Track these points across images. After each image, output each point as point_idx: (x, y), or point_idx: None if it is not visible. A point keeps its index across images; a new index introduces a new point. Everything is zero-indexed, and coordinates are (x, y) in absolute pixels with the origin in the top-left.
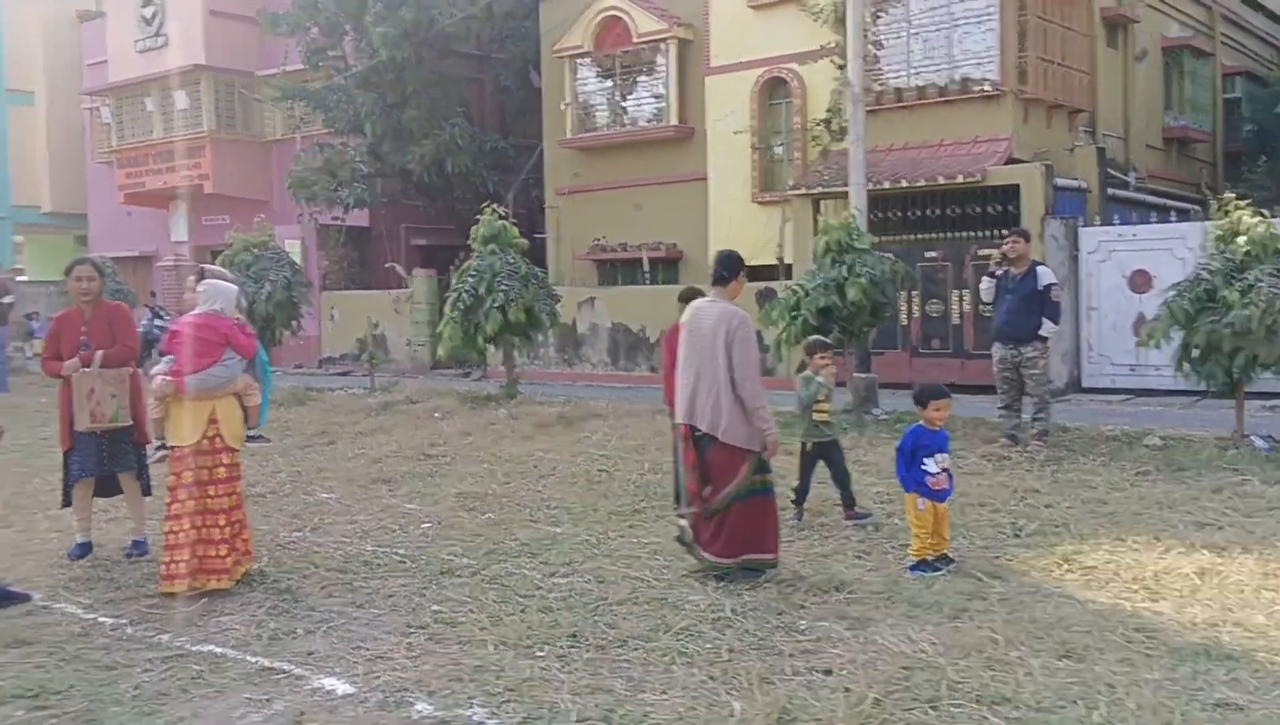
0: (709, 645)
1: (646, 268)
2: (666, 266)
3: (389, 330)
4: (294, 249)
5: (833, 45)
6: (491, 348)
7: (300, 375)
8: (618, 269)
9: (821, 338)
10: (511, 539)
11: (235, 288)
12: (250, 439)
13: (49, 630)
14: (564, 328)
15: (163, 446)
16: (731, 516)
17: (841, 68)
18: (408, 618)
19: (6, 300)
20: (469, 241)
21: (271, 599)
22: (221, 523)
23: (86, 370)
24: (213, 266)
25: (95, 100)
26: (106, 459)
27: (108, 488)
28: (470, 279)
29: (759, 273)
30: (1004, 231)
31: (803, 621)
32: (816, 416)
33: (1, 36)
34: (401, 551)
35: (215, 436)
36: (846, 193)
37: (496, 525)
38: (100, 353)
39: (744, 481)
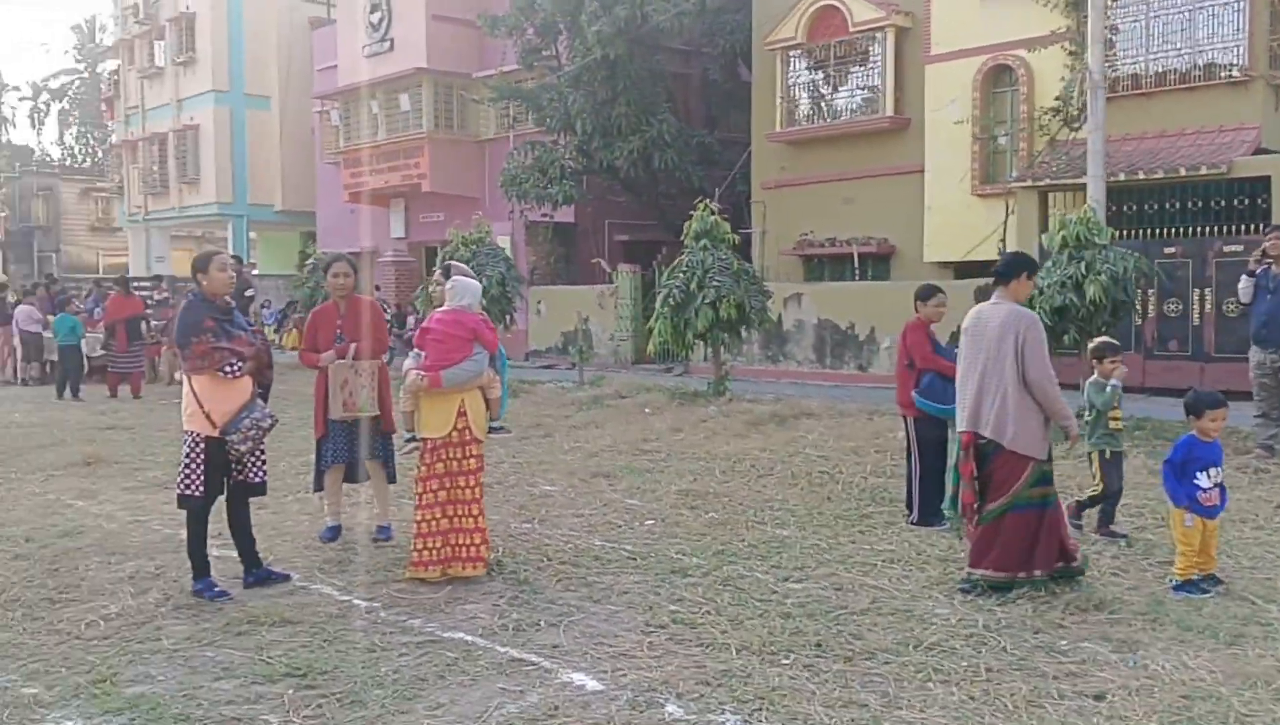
0: (964, 663)
1: (856, 263)
2: (877, 262)
3: (593, 324)
4: (504, 245)
5: (1064, 30)
6: (699, 344)
7: (509, 368)
8: (825, 264)
9: (1111, 341)
10: (739, 540)
11: (479, 284)
12: (491, 430)
13: (309, 610)
14: (769, 324)
15: (413, 439)
16: (1005, 529)
17: (1073, 53)
18: (645, 616)
19: (248, 293)
20: (680, 237)
21: (511, 590)
22: (474, 513)
23: (341, 362)
24: (459, 264)
25: (325, 104)
26: (356, 446)
27: (355, 474)
28: (681, 275)
29: (975, 269)
30: (1250, 227)
31: (1063, 641)
32: (1112, 424)
33: (242, 44)
34: (629, 548)
35: (464, 428)
36: (1077, 185)
37: (721, 525)
38: (354, 345)
39: (1020, 492)
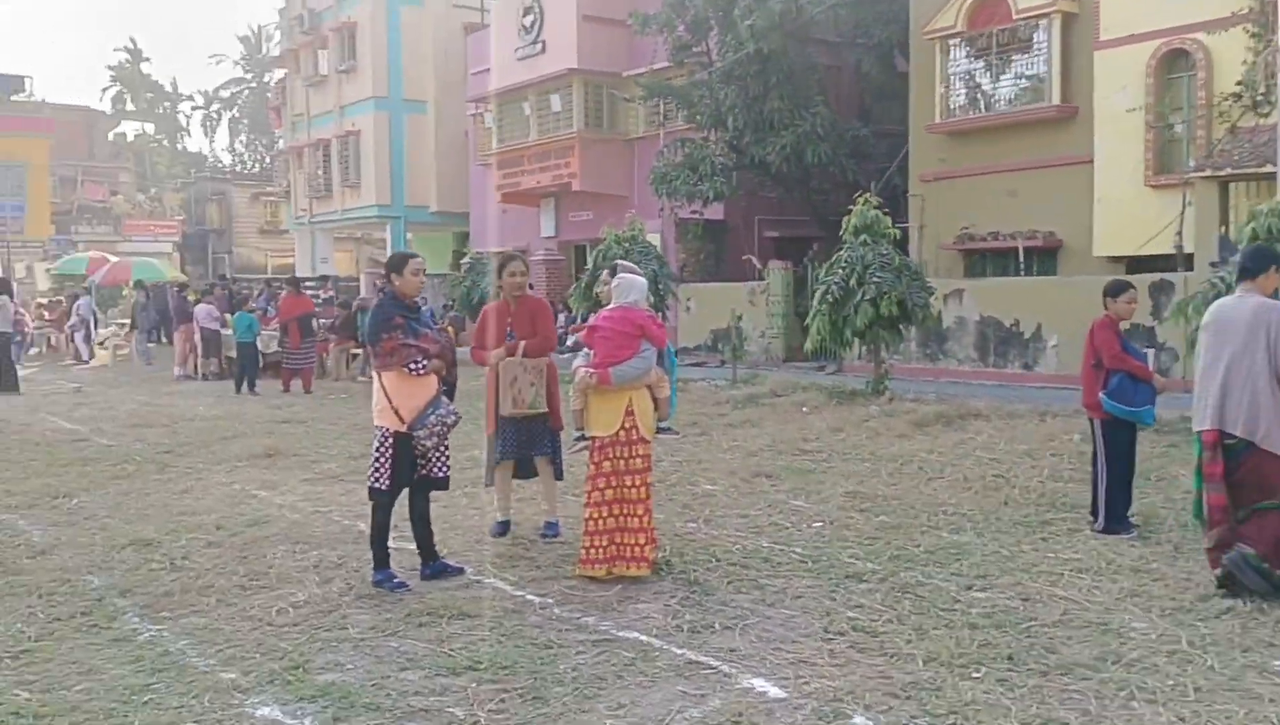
0: (1170, 682)
1: (1021, 258)
2: (1043, 257)
3: (744, 321)
4: (654, 242)
5: (1246, 10)
6: (856, 342)
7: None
8: (987, 259)
9: None
10: (913, 545)
11: (645, 281)
12: (660, 431)
13: (485, 604)
14: (931, 321)
15: (583, 437)
16: (1269, 522)
17: (1256, 35)
18: (823, 621)
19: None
20: (834, 233)
21: (682, 590)
22: (640, 512)
23: (511, 359)
24: (625, 261)
25: (479, 106)
26: (525, 442)
27: (524, 470)
28: (840, 270)
29: (1150, 263)
30: None
31: (1276, 662)
32: None
33: (400, 51)
34: (799, 550)
35: (632, 427)
36: (1262, 174)
37: (893, 529)
38: (523, 343)
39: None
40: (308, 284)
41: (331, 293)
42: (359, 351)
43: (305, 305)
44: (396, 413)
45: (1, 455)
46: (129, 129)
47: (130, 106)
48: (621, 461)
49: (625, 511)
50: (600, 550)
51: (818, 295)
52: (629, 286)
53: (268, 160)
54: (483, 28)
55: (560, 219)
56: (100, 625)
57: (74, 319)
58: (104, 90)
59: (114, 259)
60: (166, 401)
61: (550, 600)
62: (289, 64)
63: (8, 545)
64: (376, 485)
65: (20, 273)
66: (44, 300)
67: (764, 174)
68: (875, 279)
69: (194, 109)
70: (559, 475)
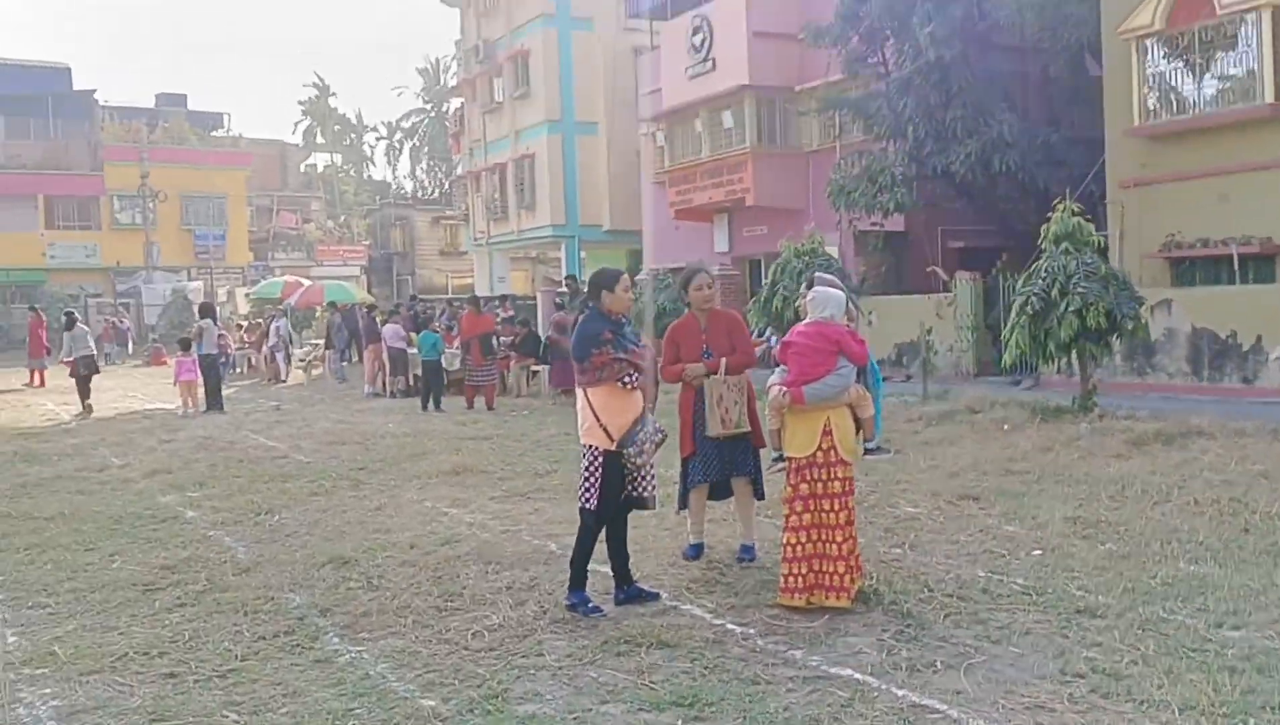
0: None
1: (1236, 266)
2: (1260, 264)
3: (930, 334)
4: (832, 255)
5: None
6: (1059, 356)
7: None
8: (1196, 267)
9: None
10: (1148, 577)
11: (843, 294)
12: (868, 452)
13: (685, 633)
14: (1141, 333)
15: (780, 458)
16: None
17: None
18: (1057, 662)
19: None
20: (1026, 243)
21: (894, 622)
22: (839, 538)
23: (716, 378)
24: (823, 274)
25: (651, 126)
26: (727, 463)
27: (719, 491)
28: (1040, 281)
29: None
30: None
31: None
32: None
33: (571, 75)
34: (1020, 581)
35: (829, 448)
36: None
37: (1123, 558)
38: (724, 360)
39: None
40: (489, 303)
41: (511, 311)
42: (538, 368)
43: (486, 324)
44: (605, 431)
45: (209, 472)
46: (318, 160)
47: (320, 139)
48: (819, 484)
49: (824, 537)
50: (799, 578)
51: (1016, 307)
52: (825, 300)
53: (446, 185)
54: (652, 49)
55: (734, 233)
56: (303, 645)
57: (273, 340)
58: (295, 124)
59: (307, 283)
60: (358, 419)
61: (752, 630)
62: (466, 93)
63: (216, 562)
64: (586, 506)
65: (222, 297)
66: (243, 322)
67: (948, 184)
68: (1080, 289)
69: (378, 139)
70: (759, 495)
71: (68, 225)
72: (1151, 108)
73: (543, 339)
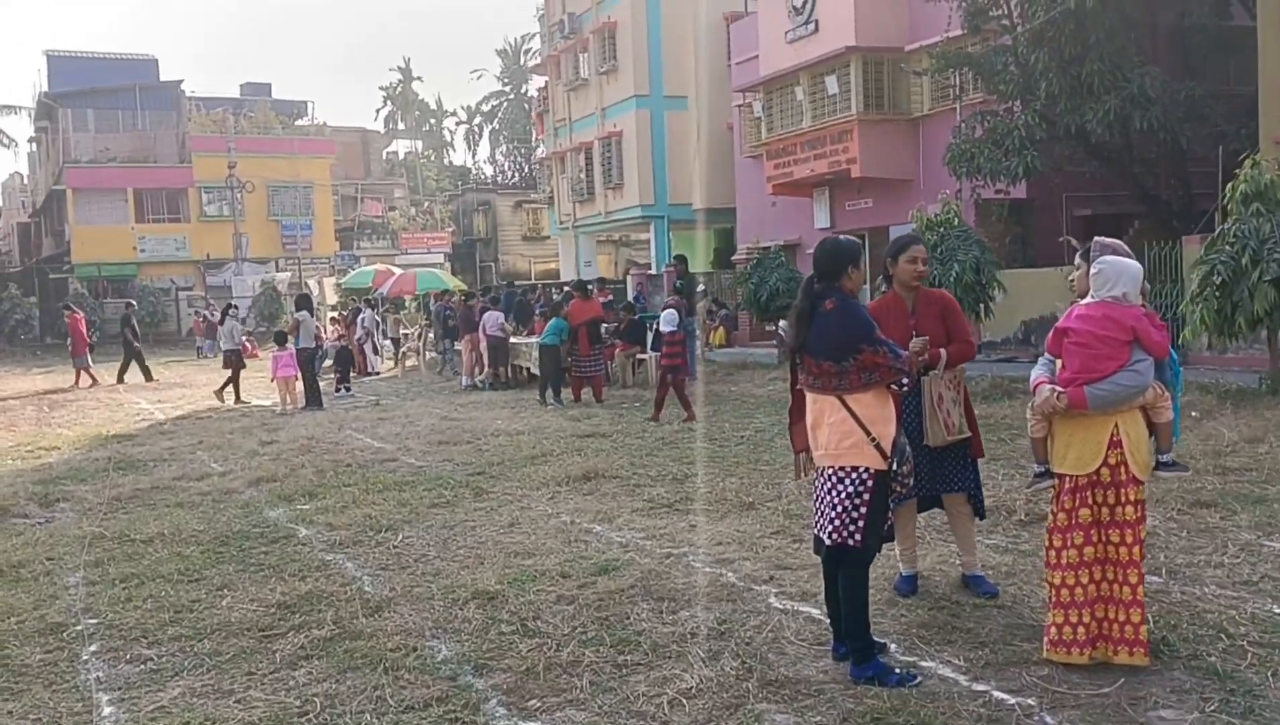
0: None
1: None
2: None
3: (1059, 309)
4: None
5: None
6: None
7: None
8: None
9: None
10: None
11: (1139, 267)
12: (1159, 466)
13: (945, 706)
14: None
15: (1045, 473)
16: None
17: None
18: None
19: (700, 288)
20: (1223, 202)
21: (1209, 685)
22: (1132, 579)
23: (934, 373)
24: (1106, 239)
25: (747, 95)
26: (939, 477)
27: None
28: (1228, 247)
29: None
30: None
31: None
32: None
33: (660, 47)
34: None
35: (1119, 464)
36: None
37: None
38: (943, 351)
39: None
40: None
41: (609, 296)
42: (644, 357)
43: (594, 310)
44: (877, 446)
45: (318, 480)
46: (400, 147)
47: (400, 126)
48: (1105, 509)
49: (1112, 577)
50: (1078, 629)
51: (1199, 277)
52: (1117, 273)
53: (527, 169)
54: (746, 15)
55: (835, 208)
56: (461, 719)
57: (359, 332)
58: (377, 111)
59: (398, 271)
60: (463, 414)
61: (1031, 702)
62: (550, 71)
63: (341, 598)
64: (851, 542)
65: (312, 288)
66: (334, 314)
67: (1080, 146)
68: (1278, 256)
69: (458, 124)
70: (980, 513)
71: (157, 218)
72: None
73: (648, 325)
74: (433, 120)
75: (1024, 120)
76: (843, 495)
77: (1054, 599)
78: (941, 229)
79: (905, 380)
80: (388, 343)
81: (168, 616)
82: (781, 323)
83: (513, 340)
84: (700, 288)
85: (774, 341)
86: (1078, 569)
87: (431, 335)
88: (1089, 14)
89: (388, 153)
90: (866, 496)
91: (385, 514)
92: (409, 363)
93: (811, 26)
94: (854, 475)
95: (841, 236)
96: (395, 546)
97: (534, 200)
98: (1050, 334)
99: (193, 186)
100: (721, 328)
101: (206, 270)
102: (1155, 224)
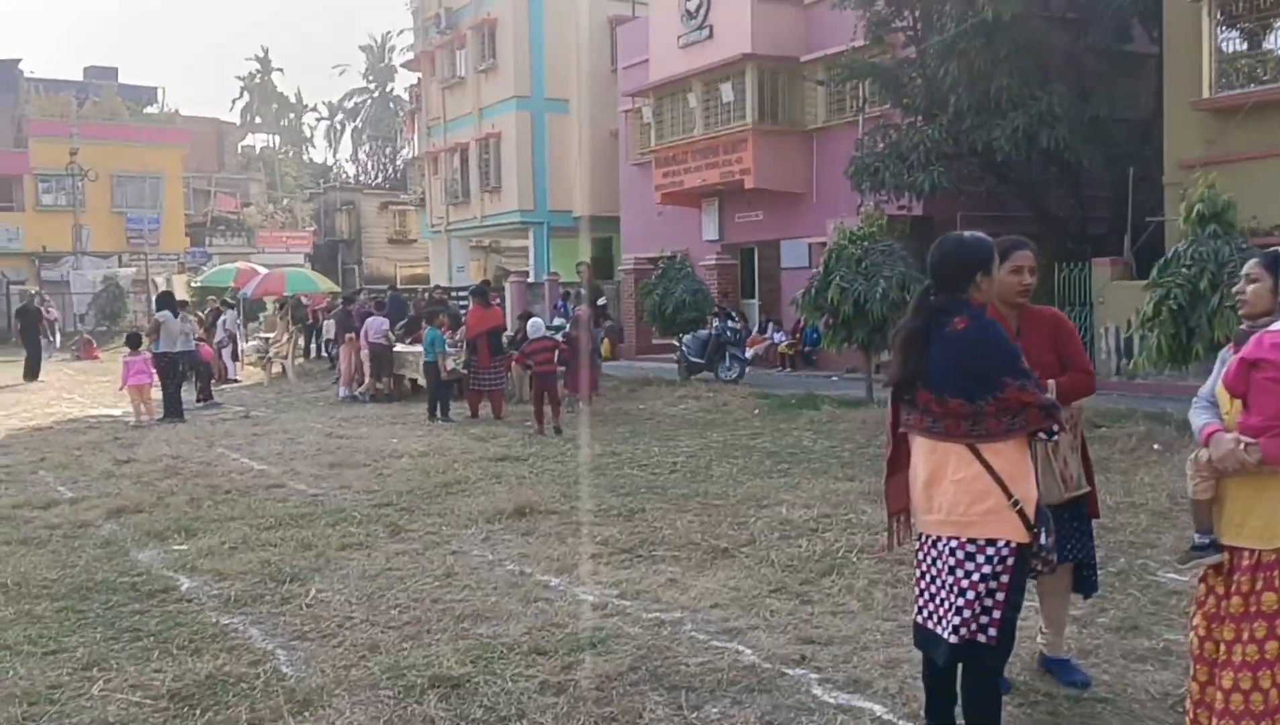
0: None
1: None
2: None
3: None
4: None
5: None
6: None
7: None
8: None
9: None
10: None
11: None
12: None
13: None
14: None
15: (1211, 545)
16: None
17: None
18: None
19: (600, 302)
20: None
21: None
22: None
23: None
24: None
25: (636, 101)
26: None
27: None
28: (1185, 270)
29: None
30: None
31: None
32: None
33: (543, 47)
34: None
35: None
36: None
37: None
38: (1053, 383)
39: None
40: (459, 295)
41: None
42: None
43: (495, 318)
44: (1020, 512)
45: (193, 511)
46: (256, 141)
47: (258, 119)
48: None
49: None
50: None
51: (1151, 302)
52: None
53: (391, 170)
54: (630, 19)
55: (725, 220)
56: None
57: (220, 335)
58: (233, 101)
59: (262, 270)
60: (349, 430)
61: None
62: (423, 67)
63: (256, 685)
64: (984, 637)
65: (161, 286)
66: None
67: (983, 163)
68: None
69: (318, 120)
70: (1091, 588)
71: None
72: (1221, 78)
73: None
74: (292, 115)
75: (930, 135)
76: (975, 577)
77: (1224, 707)
78: (865, 243)
79: (1056, 429)
80: (249, 347)
81: (18, 713)
82: (686, 338)
83: (398, 348)
84: (601, 301)
85: (673, 355)
86: (1256, 669)
87: (301, 341)
88: (998, 28)
89: (243, 146)
90: (1005, 578)
91: (285, 558)
92: (275, 370)
93: (706, 32)
94: (990, 551)
95: (967, 233)
96: (308, 604)
97: (402, 202)
98: (1227, 368)
99: (28, 174)
100: (607, 339)
101: (42, 264)
102: (1052, 245)
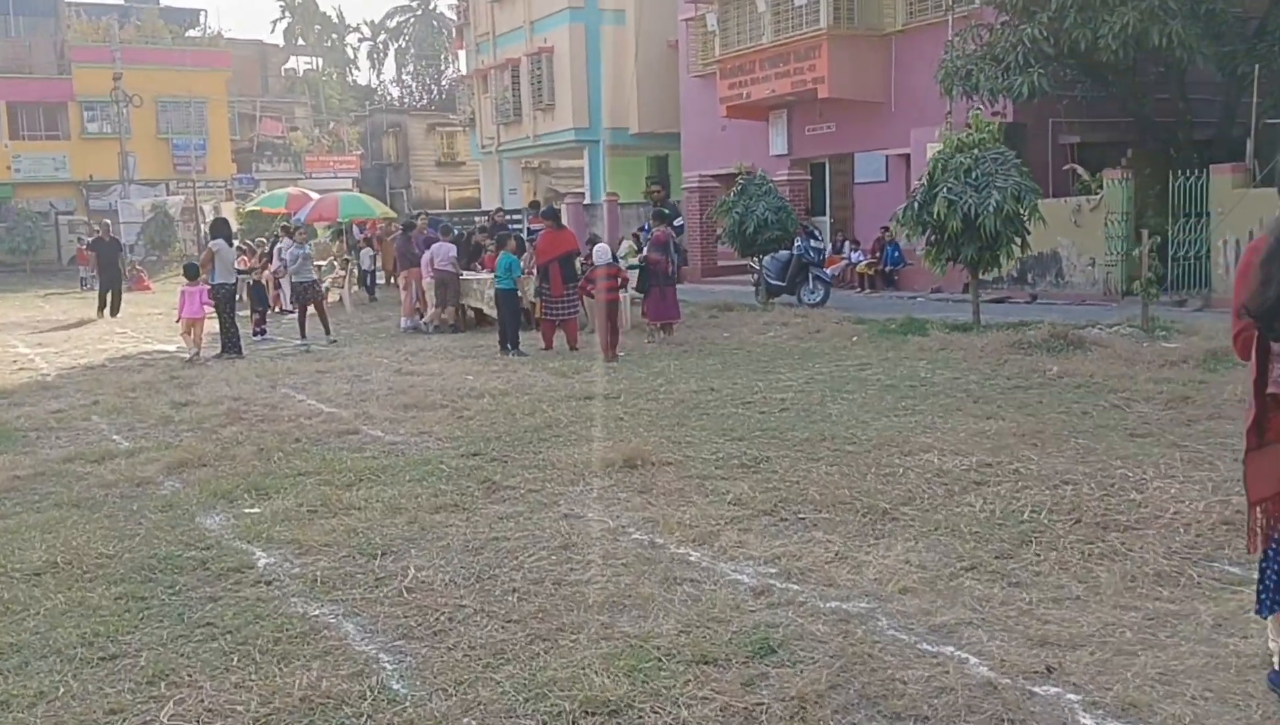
0: None
1: None
2: None
3: (1062, 246)
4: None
5: None
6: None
7: (934, 302)
8: None
9: None
10: None
11: None
12: None
13: None
14: None
15: None
16: None
17: None
18: None
19: (677, 223)
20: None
21: None
22: None
23: None
24: None
25: (699, 7)
26: None
27: None
28: None
29: None
30: None
31: None
32: None
33: None
34: None
35: None
36: None
37: None
38: None
39: None
40: (515, 215)
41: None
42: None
43: (568, 242)
44: None
45: (262, 465)
46: (299, 64)
47: (300, 41)
48: None
49: None
50: None
51: None
52: None
53: (437, 91)
54: None
55: (793, 133)
56: None
57: (276, 264)
58: (274, 23)
59: (315, 196)
60: (419, 366)
61: None
62: None
63: (366, 712)
64: None
65: (208, 214)
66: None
67: (1088, 64)
68: None
69: (361, 40)
70: None
71: (33, 135)
72: None
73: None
74: (335, 36)
75: (1029, 34)
76: None
77: None
78: (975, 151)
79: None
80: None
81: None
82: (765, 259)
83: (464, 275)
84: (679, 220)
85: (743, 278)
86: None
87: (357, 269)
88: None
89: (286, 69)
90: None
91: (373, 525)
92: (331, 299)
93: None
94: None
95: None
96: (408, 588)
97: (450, 123)
98: None
99: (73, 101)
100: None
101: (89, 192)
102: (1151, 152)
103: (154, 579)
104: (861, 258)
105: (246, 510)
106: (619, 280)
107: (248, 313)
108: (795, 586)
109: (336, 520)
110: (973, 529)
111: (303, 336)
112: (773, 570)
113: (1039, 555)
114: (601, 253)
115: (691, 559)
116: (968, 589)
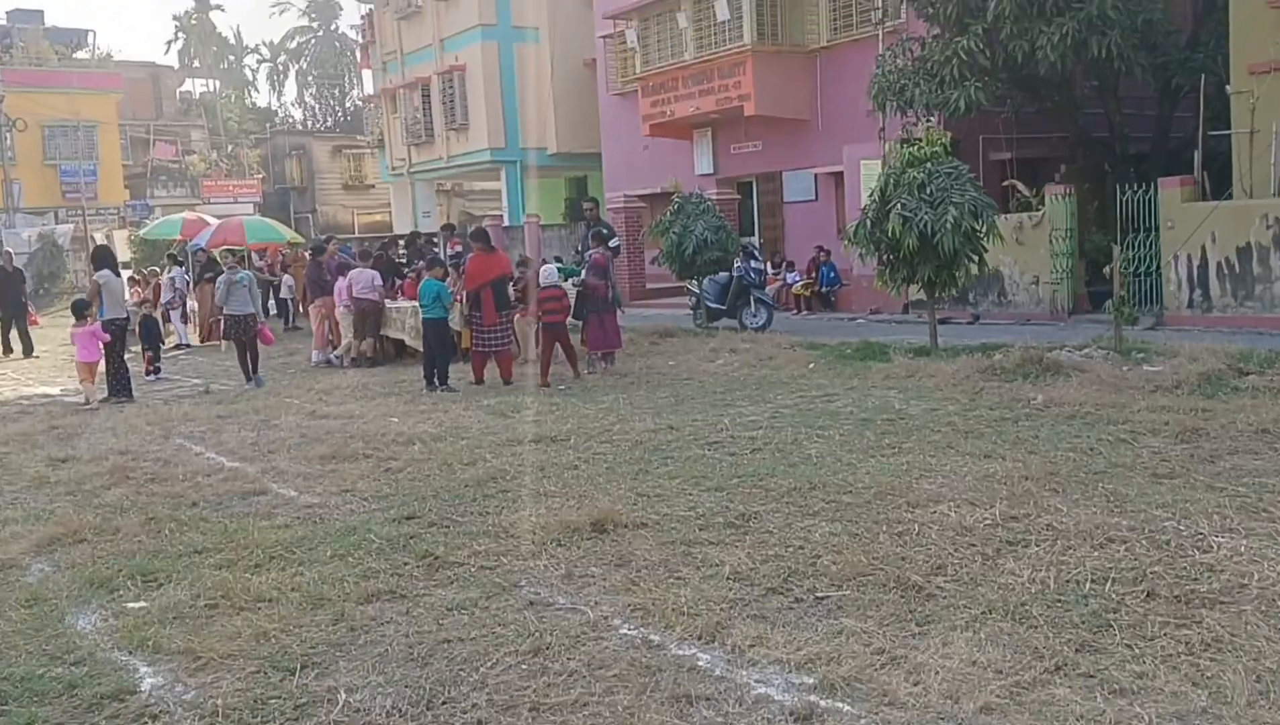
0: None
1: None
2: None
3: (1004, 264)
4: (872, 174)
5: None
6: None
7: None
8: None
9: None
10: None
11: None
12: None
13: None
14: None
15: None
16: None
17: None
18: None
19: (613, 244)
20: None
21: None
22: None
23: None
24: None
25: (617, 24)
26: None
27: None
28: None
29: None
30: None
31: None
32: None
33: None
34: None
35: None
36: None
37: None
38: None
39: None
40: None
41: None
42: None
43: (501, 266)
44: None
45: (151, 540)
46: (194, 86)
47: (196, 63)
48: None
49: None
50: None
51: None
52: None
53: (342, 112)
54: None
55: (719, 152)
56: None
57: (167, 294)
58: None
59: (213, 221)
60: (336, 407)
61: None
62: None
63: None
64: None
65: (100, 241)
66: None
67: (1023, 77)
68: None
69: (260, 62)
70: None
71: None
72: None
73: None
74: (232, 57)
75: (964, 46)
76: None
77: None
78: (928, 165)
79: None
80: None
81: None
82: (705, 281)
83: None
84: (614, 242)
85: (675, 301)
86: None
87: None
88: None
89: (182, 92)
90: None
91: (289, 624)
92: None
93: None
94: None
95: None
96: (336, 722)
97: (357, 145)
98: None
99: None
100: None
101: None
102: (1084, 167)
103: (4, 705)
104: (797, 278)
105: (130, 605)
106: (563, 301)
107: (139, 349)
108: (845, 706)
109: (242, 619)
110: (1033, 610)
111: (248, 378)
112: (809, 680)
113: (1129, 647)
114: (549, 274)
115: (701, 664)
116: (1062, 702)
